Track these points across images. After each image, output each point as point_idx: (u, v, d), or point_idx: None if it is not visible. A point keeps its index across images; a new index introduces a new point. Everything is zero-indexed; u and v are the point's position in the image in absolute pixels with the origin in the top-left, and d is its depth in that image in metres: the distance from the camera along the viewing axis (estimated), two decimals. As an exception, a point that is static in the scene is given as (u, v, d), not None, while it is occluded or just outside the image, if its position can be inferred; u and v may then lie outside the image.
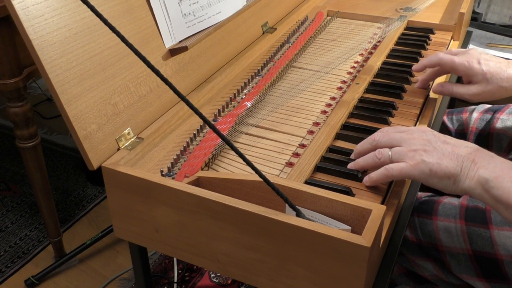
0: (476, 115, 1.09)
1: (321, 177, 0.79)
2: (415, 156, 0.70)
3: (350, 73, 1.08)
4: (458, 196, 0.86)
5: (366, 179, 0.75)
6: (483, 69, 0.89)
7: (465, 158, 0.69)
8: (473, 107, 1.12)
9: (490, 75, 0.88)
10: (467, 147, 0.71)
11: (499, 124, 1.03)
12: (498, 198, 0.66)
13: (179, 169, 0.79)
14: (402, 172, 0.71)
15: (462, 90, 0.92)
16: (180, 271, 1.54)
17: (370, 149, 0.77)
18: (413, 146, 0.72)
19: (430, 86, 1.02)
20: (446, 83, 0.96)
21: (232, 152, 0.81)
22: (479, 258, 0.80)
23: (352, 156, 0.80)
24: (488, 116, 1.07)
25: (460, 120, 1.12)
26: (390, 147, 0.74)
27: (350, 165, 0.78)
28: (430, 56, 0.97)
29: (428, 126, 0.93)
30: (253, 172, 0.63)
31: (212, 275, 1.53)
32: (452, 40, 1.25)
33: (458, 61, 0.91)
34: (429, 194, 0.91)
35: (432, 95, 1.00)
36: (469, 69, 0.90)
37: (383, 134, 0.76)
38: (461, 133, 1.11)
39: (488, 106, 1.11)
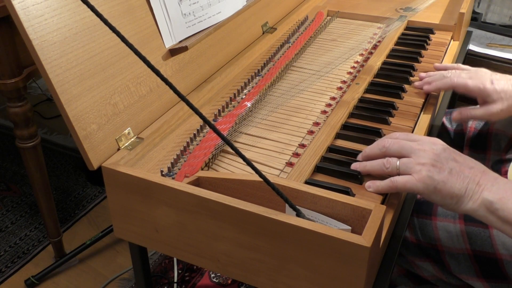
0: (475, 115, 1.09)
1: (321, 177, 0.79)
2: (422, 171, 0.70)
3: (350, 73, 1.08)
4: None
5: (369, 184, 0.75)
6: (496, 88, 0.90)
7: (471, 180, 0.69)
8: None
9: (504, 94, 0.90)
10: (473, 168, 0.70)
11: (497, 124, 1.03)
12: (505, 219, 0.66)
13: (179, 169, 0.79)
14: (406, 185, 0.71)
15: (481, 112, 0.93)
16: (180, 271, 1.54)
17: (379, 154, 0.76)
18: (422, 159, 0.71)
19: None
20: (463, 109, 0.96)
21: (232, 152, 0.81)
22: (479, 258, 0.80)
23: (359, 158, 0.80)
24: (488, 116, 1.07)
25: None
26: (399, 156, 0.74)
27: (355, 166, 0.78)
28: (442, 78, 0.97)
29: (428, 126, 0.93)
30: (253, 172, 0.63)
31: (212, 275, 1.53)
32: (452, 40, 1.25)
33: (472, 84, 0.92)
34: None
35: (432, 95, 1.01)
36: (484, 91, 0.91)
37: (393, 141, 0.75)
38: (460, 133, 1.11)
39: None
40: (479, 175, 0.70)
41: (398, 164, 0.73)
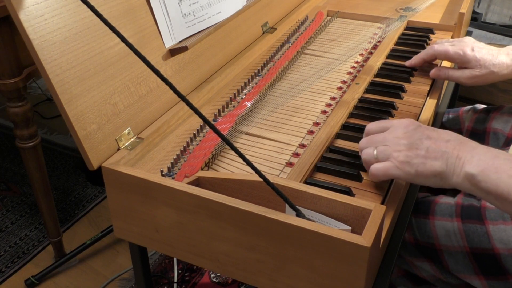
0: (472, 114, 1.10)
1: (321, 177, 0.79)
2: (399, 157, 0.70)
3: (350, 73, 1.08)
4: (454, 196, 0.86)
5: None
6: (476, 55, 0.96)
7: (450, 154, 0.69)
8: (469, 107, 1.13)
9: (483, 61, 0.95)
10: (449, 141, 0.70)
11: (494, 123, 1.04)
12: (487, 190, 0.66)
13: (179, 169, 0.79)
14: (388, 172, 0.71)
15: (457, 73, 0.99)
16: (180, 271, 1.54)
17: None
18: (397, 146, 0.71)
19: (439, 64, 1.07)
20: (443, 67, 1.02)
21: (232, 152, 0.81)
22: (477, 255, 0.80)
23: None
24: (484, 115, 1.08)
25: (456, 119, 1.13)
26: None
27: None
28: (426, 49, 1.05)
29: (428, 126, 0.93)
30: (253, 172, 0.63)
31: (212, 275, 1.53)
32: (452, 40, 1.25)
33: (453, 51, 0.98)
34: (425, 194, 0.91)
35: (432, 94, 1.01)
36: (463, 57, 0.97)
37: (366, 140, 0.77)
38: (457, 132, 1.11)
39: (483, 106, 1.11)
40: (458, 147, 0.69)
41: (375, 152, 0.73)
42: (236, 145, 0.86)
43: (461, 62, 0.98)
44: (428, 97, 1.00)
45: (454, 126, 1.12)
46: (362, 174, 0.78)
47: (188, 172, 0.77)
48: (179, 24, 0.94)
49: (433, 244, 0.84)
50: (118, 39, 0.62)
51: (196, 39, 0.95)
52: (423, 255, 0.86)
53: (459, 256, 0.82)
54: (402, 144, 0.71)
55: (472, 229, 0.80)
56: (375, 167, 0.72)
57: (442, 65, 1.07)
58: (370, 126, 0.79)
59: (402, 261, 0.90)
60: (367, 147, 0.75)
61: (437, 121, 1.03)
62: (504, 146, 1.01)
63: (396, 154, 0.71)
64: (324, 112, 0.95)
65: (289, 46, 1.16)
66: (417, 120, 0.93)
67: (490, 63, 0.95)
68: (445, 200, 0.85)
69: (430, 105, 0.97)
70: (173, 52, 0.92)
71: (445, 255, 0.83)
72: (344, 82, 1.04)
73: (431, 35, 1.24)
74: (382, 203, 0.75)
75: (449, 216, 0.83)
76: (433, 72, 1.02)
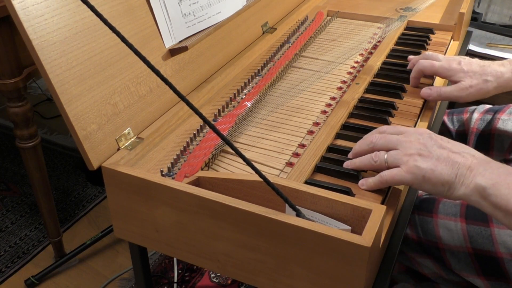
0: (476, 116, 1.09)
1: (321, 177, 0.79)
2: (409, 161, 0.70)
3: (350, 73, 1.08)
4: None
5: (362, 182, 0.76)
6: (464, 68, 0.93)
7: (461, 165, 0.68)
8: (473, 107, 1.12)
9: (473, 73, 0.92)
10: (462, 153, 0.70)
11: (500, 125, 1.03)
12: (497, 205, 0.66)
13: (179, 169, 0.79)
14: (395, 178, 0.71)
15: (449, 88, 0.94)
16: (180, 271, 1.54)
17: (367, 150, 0.77)
18: (409, 150, 0.71)
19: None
20: (434, 86, 0.98)
21: (232, 152, 0.81)
22: (479, 256, 0.80)
23: (349, 156, 0.81)
24: (489, 116, 1.07)
25: (460, 120, 1.12)
26: (387, 150, 0.74)
27: (347, 164, 0.79)
28: (415, 65, 1.00)
29: (428, 126, 0.93)
30: (253, 172, 0.63)
31: (212, 275, 1.53)
32: (452, 40, 1.25)
33: (438, 65, 0.95)
34: (429, 192, 0.91)
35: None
36: (449, 70, 0.94)
37: (380, 136, 0.76)
38: (462, 134, 1.11)
39: (488, 106, 1.11)
40: (470, 159, 0.69)
41: (385, 157, 0.73)
42: (236, 145, 0.86)
43: (448, 75, 0.95)
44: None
45: (458, 128, 1.12)
46: (362, 174, 0.78)
47: (188, 172, 0.77)
48: (179, 24, 0.94)
49: (436, 243, 0.84)
50: (118, 39, 0.62)
51: (196, 39, 0.95)
52: (425, 253, 0.86)
53: (461, 256, 0.82)
54: (413, 148, 0.71)
55: (476, 231, 0.80)
56: (384, 174, 0.72)
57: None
58: (385, 127, 0.79)
59: (404, 258, 0.90)
60: (380, 149, 0.75)
61: (437, 121, 1.03)
62: (509, 149, 1.00)
63: (406, 159, 0.71)
64: (324, 112, 0.95)
65: (289, 46, 1.16)
66: (417, 120, 0.93)
67: (481, 72, 0.92)
68: None
69: (430, 105, 0.97)
70: (173, 52, 0.92)
71: (447, 254, 0.83)
72: (344, 82, 1.04)
73: (431, 35, 1.24)
74: (382, 203, 0.74)
75: (453, 216, 0.83)
76: (423, 91, 0.97)
